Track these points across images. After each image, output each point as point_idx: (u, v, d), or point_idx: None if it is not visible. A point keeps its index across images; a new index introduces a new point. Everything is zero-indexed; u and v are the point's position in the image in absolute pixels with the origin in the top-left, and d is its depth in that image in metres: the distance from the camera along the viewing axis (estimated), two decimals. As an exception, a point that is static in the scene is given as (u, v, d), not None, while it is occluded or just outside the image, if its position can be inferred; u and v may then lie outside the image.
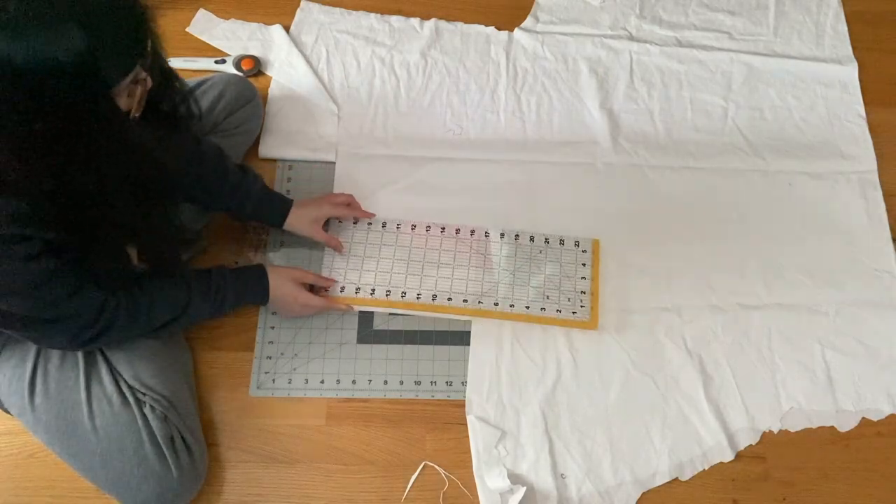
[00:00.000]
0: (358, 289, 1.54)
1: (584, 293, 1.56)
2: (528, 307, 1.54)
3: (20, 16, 0.80)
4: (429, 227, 1.62)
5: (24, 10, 0.81)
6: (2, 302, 1.05)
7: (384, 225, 1.61)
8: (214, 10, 1.91)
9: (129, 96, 0.97)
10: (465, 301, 1.54)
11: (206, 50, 1.84)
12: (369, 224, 1.61)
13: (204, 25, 1.88)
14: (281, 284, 1.43)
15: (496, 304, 1.54)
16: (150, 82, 0.99)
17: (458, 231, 1.61)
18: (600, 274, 1.59)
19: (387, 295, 1.53)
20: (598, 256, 1.61)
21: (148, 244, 1.20)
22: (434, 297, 1.54)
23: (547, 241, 1.62)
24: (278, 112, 1.74)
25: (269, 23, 1.90)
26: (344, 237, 1.59)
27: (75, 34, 0.83)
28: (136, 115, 1.00)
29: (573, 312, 1.54)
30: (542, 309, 1.54)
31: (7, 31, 0.80)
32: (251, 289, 1.42)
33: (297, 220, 1.52)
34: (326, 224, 1.59)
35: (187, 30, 1.87)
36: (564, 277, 1.58)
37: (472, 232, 1.61)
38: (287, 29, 1.89)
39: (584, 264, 1.60)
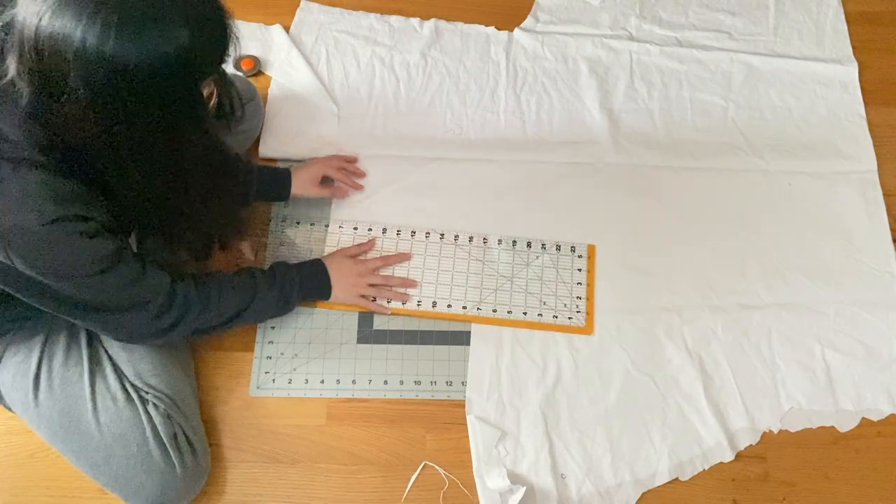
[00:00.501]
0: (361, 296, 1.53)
1: (580, 298, 1.57)
2: (525, 313, 1.54)
3: (136, 18, 0.84)
4: (428, 233, 1.62)
5: (141, 13, 0.84)
6: (72, 286, 1.06)
7: (384, 231, 1.61)
8: (214, 10, 1.90)
9: (209, 93, 1.02)
10: (464, 308, 1.54)
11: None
12: (369, 230, 1.61)
13: (203, 26, 1.88)
14: (338, 269, 1.46)
15: (494, 311, 1.54)
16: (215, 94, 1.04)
17: (456, 237, 1.62)
18: (600, 273, 1.59)
19: (388, 301, 1.53)
20: (595, 262, 1.61)
21: (206, 232, 1.23)
22: (434, 303, 1.54)
23: (544, 246, 1.62)
24: (278, 112, 1.74)
25: (268, 23, 1.90)
26: (345, 243, 1.59)
27: (182, 32, 0.88)
28: (212, 110, 1.05)
29: (569, 318, 1.54)
30: (538, 315, 1.54)
31: (125, 33, 0.83)
32: (315, 282, 1.45)
33: (299, 186, 1.56)
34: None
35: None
36: (561, 283, 1.58)
37: (471, 238, 1.61)
38: (287, 29, 1.89)
39: (579, 269, 1.60)
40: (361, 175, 1.67)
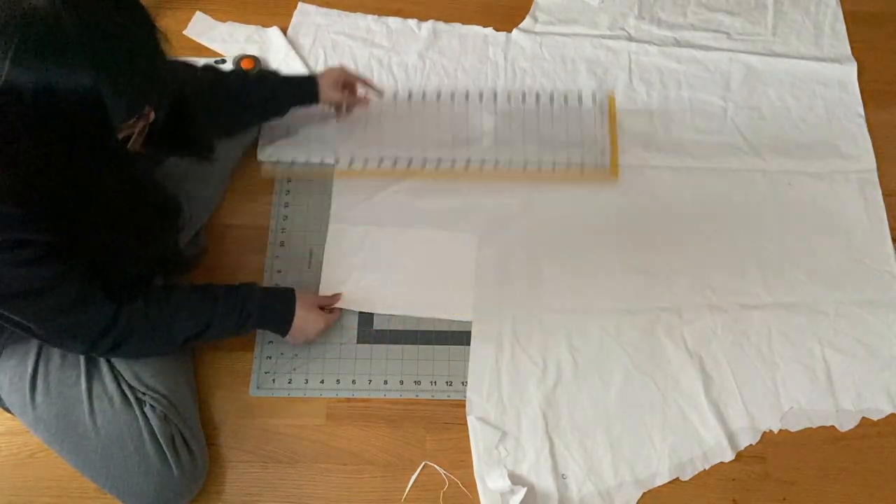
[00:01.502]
0: (367, 159, 1.67)
1: (605, 149, 1.70)
2: (540, 164, 1.68)
3: (38, 46, 0.80)
4: (439, 94, 1.78)
5: (43, 41, 0.81)
6: (10, 308, 1.05)
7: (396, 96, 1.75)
8: (211, 12, 1.90)
9: (131, 127, 0.96)
10: (483, 161, 1.68)
11: (205, 50, 1.84)
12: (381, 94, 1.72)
13: (201, 28, 1.88)
14: (305, 314, 1.41)
15: (510, 162, 1.68)
16: (152, 116, 0.99)
17: (467, 96, 1.77)
18: (599, 271, 1.59)
19: (395, 163, 1.66)
20: (615, 110, 1.75)
21: (138, 265, 1.20)
22: (439, 161, 1.68)
23: (566, 99, 1.77)
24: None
25: (266, 25, 1.89)
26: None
27: (85, 75, 0.83)
28: (136, 146, 1.00)
29: (593, 164, 1.68)
30: (559, 163, 1.69)
31: (25, 58, 0.80)
32: (276, 317, 1.39)
33: (326, 90, 1.58)
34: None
35: (184, 32, 1.86)
36: (580, 130, 1.72)
37: (481, 95, 1.76)
38: (284, 31, 1.89)
39: (602, 119, 1.73)
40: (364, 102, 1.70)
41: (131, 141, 0.98)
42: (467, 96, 1.77)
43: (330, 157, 1.69)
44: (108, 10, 0.86)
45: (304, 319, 1.41)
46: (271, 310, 1.38)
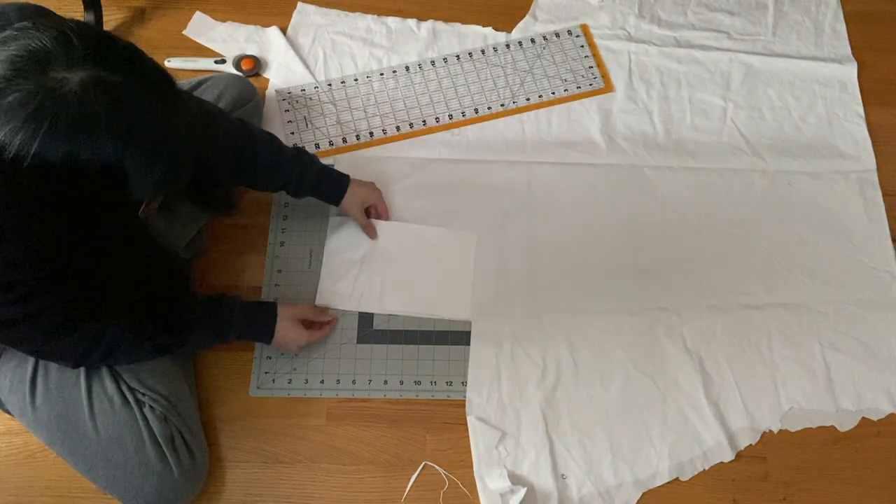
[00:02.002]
0: (381, 130, 1.74)
1: (592, 67, 1.85)
2: (553, 93, 1.82)
3: (69, 127, 0.79)
4: (446, 59, 1.87)
5: (74, 123, 0.80)
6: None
7: (403, 70, 1.84)
8: (211, 12, 1.90)
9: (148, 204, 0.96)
10: (489, 108, 1.78)
11: (205, 50, 1.84)
12: (382, 74, 1.84)
13: (201, 28, 1.88)
14: (285, 327, 1.41)
15: (514, 102, 1.79)
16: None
17: (471, 54, 1.88)
18: (598, 270, 1.58)
19: (411, 127, 1.73)
20: (591, 36, 1.91)
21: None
22: (450, 116, 1.77)
23: (545, 38, 1.90)
24: (276, 114, 1.74)
25: (265, 25, 1.89)
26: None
27: (112, 151, 0.82)
28: (152, 213, 0.99)
29: (590, 85, 1.83)
30: (565, 90, 1.82)
31: (56, 137, 0.79)
32: (257, 331, 1.41)
33: (350, 200, 1.54)
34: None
35: (184, 32, 1.86)
36: (571, 60, 1.86)
37: (483, 51, 1.88)
38: (284, 31, 1.89)
39: (582, 46, 1.89)
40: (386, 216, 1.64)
41: (147, 207, 0.97)
42: (459, 57, 1.87)
43: (329, 158, 1.69)
44: (138, 92, 0.85)
45: (284, 334, 1.41)
46: (251, 324, 1.39)
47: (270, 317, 1.40)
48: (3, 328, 1.04)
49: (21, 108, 0.78)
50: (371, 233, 1.59)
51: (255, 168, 1.42)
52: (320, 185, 1.51)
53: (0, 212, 0.85)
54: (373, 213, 1.60)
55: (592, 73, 1.86)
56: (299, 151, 1.48)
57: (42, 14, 1.02)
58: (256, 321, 1.39)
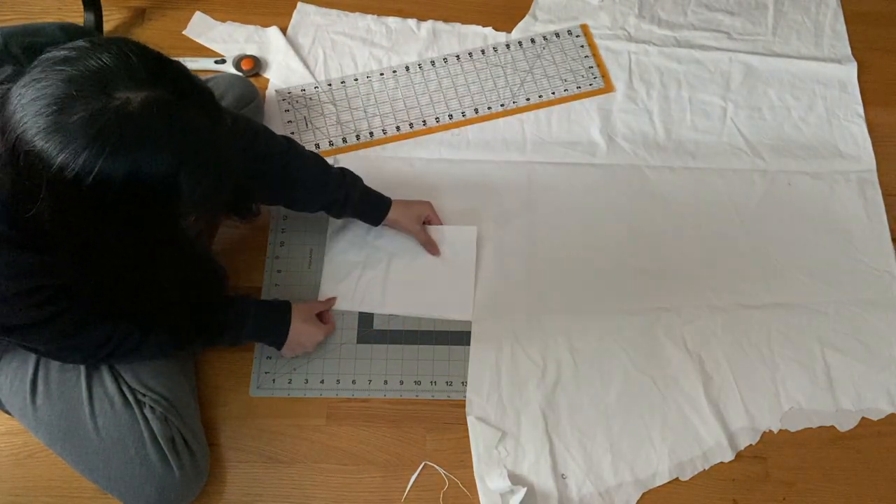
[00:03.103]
0: (381, 130, 1.74)
1: (592, 67, 1.85)
2: (553, 93, 1.81)
3: (132, 144, 0.81)
4: (446, 59, 1.87)
5: (137, 141, 0.81)
6: (12, 336, 1.07)
7: (403, 70, 1.82)
8: (211, 12, 1.90)
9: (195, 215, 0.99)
10: (489, 108, 1.78)
11: (205, 50, 1.84)
12: (382, 74, 1.84)
13: (200, 28, 1.88)
14: (301, 328, 1.42)
15: (514, 103, 1.78)
16: None
17: (471, 54, 1.89)
18: (598, 271, 1.58)
19: (411, 127, 1.74)
20: (592, 38, 1.90)
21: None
22: (450, 116, 1.76)
23: (545, 38, 1.90)
24: (276, 115, 1.74)
25: (265, 25, 1.89)
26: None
27: (170, 165, 0.84)
28: (191, 225, 1.01)
29: (590, 85, 1.83)
30: (565, 90, 1.82)
31: (120, 154, 0.80)
32: (270, 331, 1.41)
33: (402, 217, 1.54)
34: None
35: (184, 32, 1.86)
36: (571, 60, 1.87)
37: (483, 51, 1.89)
38: (284, 31, 1.89)
39: (582, 46, 1.89)
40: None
41: (191, 218, 0.99)
42: (459, 57, 1.88)
43: (329, 158, 1.69)
44: (191, 109, 0.87)
45: (300, 332, 1.41)
46: (265, 324, 1.39)
47: (285, 315, 1.40)
48: (23, 330, 1.05)
49: (86, 127, 0.79)
50: (434, 250, 1.59)
51: (299, 186, 1.42)
52: (364, 206, 1.51)
53: (55, 223, 0.87)
54: (436, 220, 1.61)
55: (592, 73, 1.86)
56: (344, 171, 1.48)
57: (85, 33, 1.03)
58: (271, 320, 1.40)
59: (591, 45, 1.90)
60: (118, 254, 0.93)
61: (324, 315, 1.50)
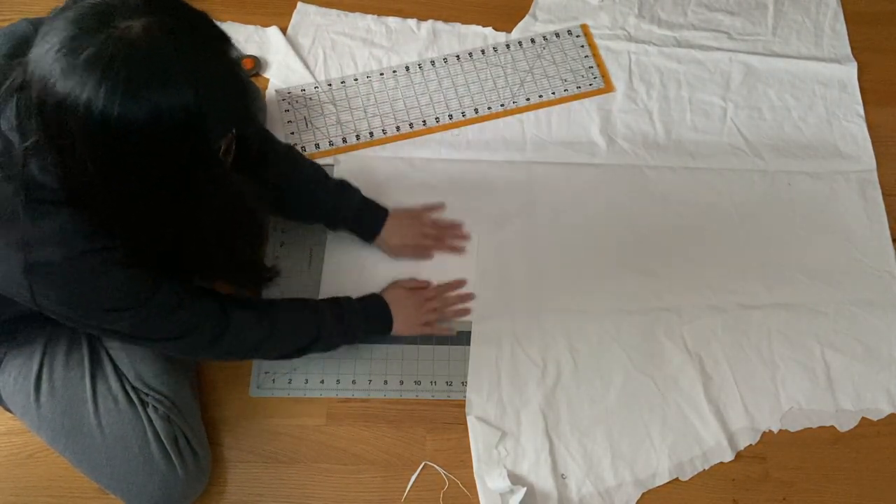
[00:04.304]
0: (381, 130, 1.74)
1: (592, 67, 1.85)
2: (540, 96, 1.81)
3: (142, 80, 0.82)
4: (446, 58, 1.87)
5: (147, 76, 0.82)
6: (120, 322, 1.05)
7: (403, 70, 1.83)
8: (211, 12, 1.88)
9: (227, 146, 0.99)
10: (489, 108, 1.78)
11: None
12: (382, 74, 1.84)
13: (201, 28, 1.88)
14: (397, 302, 1.45)
15: (514, 103, 1.79)
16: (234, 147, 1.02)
17: (471, 54, 1.88)
18: (599, 271, 1.59)
19: (411, 127, 1.74)
20: (592, 38, 1.90)
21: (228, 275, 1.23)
22: (450, 116, 1.76)
23: (545, 38, 1.90)
24: (276, 115, 1.74)
25: (265, 25, 1.89)
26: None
27: (187, 92, 0.84)
28: (229, 162, 1.01)
29: (590, 85, 1.82)
30: (565, 90, 1.82)
31: (130, 96, 0.81)
32: (379, 318, 1.43)
33: (392, 238, 1.55)
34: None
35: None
36: (571, 60, 1.86)
37: (483, 51, 1.88)
38: (284, 31, 1.89)
39: (582, 46, 1.89)
40: (464, 238, 1.63)
41: (225, 152, 0.99)
42: (459, 58, 1.87)
43: (329, 158, 1.69)
44: (194, 32, 0.89)
45: (401, 305, 1.45)
46: (373, 313, 1.43)
47: (381, 302, 1.44)
48: (126, 312, 1.04)
49: (97, 61, 0.80)
50: (425, 255, 1.59)
51: (294, 193, 1.43)
52: (360, 217, 1.53)
53: (98, 175, 0.88)
54: (425, 254, 1.60)
55: (592, 73, 1.85)
56: (343, 182, 1.50)
57: None
58: (373, 309, 1.43)
59: (592, 45, 1.89)
60: (159, 200, 0.93)
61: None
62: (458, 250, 1.61)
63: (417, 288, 1.53)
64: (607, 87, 1.83)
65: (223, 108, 0.91)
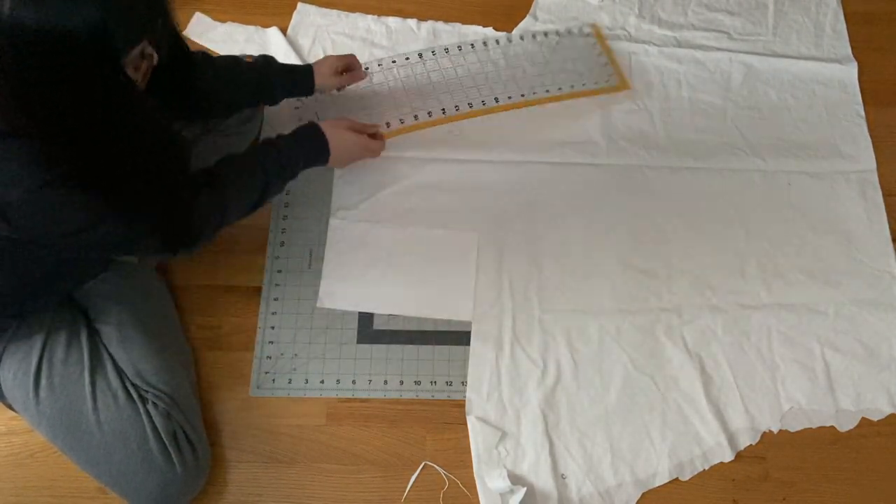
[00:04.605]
0: (400, 120, 1.73)
1: (606, 64, 1.83)
2: (560, 89, 1.80)
3: None
4: (447, 48, 1.86)
5: None
6: (105, 226, 1.05)
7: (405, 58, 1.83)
8: (211, 13, 1.91)
9: (136, 69, 0.98)
10: (496, 100, 1.77)
11: (205, 50, 1.84)
12: (394, 61, 1.83)
13: (201, 28, 1.88)
14: (337, 135, 1.47)
15: (523, 95, 1.78)
16: (156, 58, 1.01)
17: (485, 43, 1.87)
18: (600, 272, 1.59)
19: (415, 118, 1.73)
20: (604, 39, 1.89)
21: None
22: (456, 107, 1.75)
23: (558, 33, 1.89)
24: (276, 115, 1.74)
25: (265, 25, 1.89)
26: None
27: (89, 4, 0.84)
28: (141, 87, 1.01)
29: (606, 81, 1.81)
30: (571, 87, 1.80)
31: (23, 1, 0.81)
32: (314, 149, 1.45)
33: (320, 78, 1.58)
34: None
35: (184, 33, 1.86)
36: (582, 59, 1.85)
37: (492, 41, 1.88)
38: (284, 31, 1.89)
39: (594, 44, 1.87)
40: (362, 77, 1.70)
41: (138, 83, 0.99)
42: (473, 46, 1.87)
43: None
44: None
45: (339, 139, 1.47)
46: (308, 149, 1.44)
47: (317, 132, 1.45)
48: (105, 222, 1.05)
49: None
50: (358, 76, 1.66)
51: (220, 77, 1.43)
52: (286, 82, 1.55)
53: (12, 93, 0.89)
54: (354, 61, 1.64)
55: (607, 71, 1.85)
56: (257, 58, 1.52)
57: None
58: (309, 142, 1.45)
59: (603, 45, 1.90)
60: (70, 120, 0.93)
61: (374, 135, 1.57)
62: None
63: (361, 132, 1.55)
64: (623, 85, 1.84)
65: (133, 22, 0.92)
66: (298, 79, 1.57)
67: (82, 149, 0.97)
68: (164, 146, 1.09)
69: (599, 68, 1.84)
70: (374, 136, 1.57)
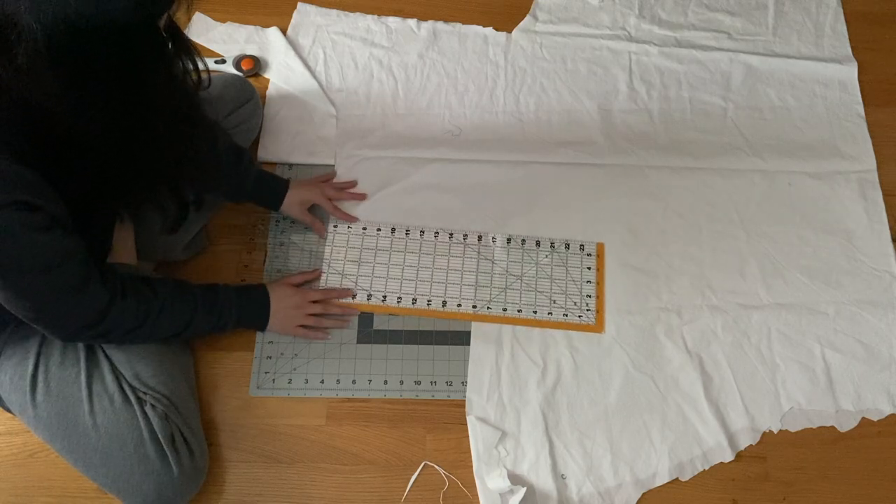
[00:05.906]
0: (369, 295, 1.54)
1: (590, 297, 1.57)
2: (535, 312, 1.55)
3: None
4: (437, 232, 1.62)
5: None
6: (17, 284, 1.05)
7: (393, 231, 1.62)
8: (211, 13, 1.90)
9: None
10: (473, 307, 1.55)
11: (205, 50, 1.84)
12: (378, 230, 1.61)
13: (201, 28, 1.88)
14: (279, 299, 1.45)
15: (504, 310, 1.55)
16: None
17: (465, 237, 1.62)
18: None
19: (398, 301, 1.54)
20: (604, 260, 1.61)
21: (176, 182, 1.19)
22: (444, 303, 1.55)
23: (552, 245, 1.62)
24: (276, 115, 1.74)
25: (265, 25, 1.89)
26: (353, 243, 1.59)
27: None
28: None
29: (579, 316, 1.55)
30: (549, 314, 1.54)
31: None
32: (254, 313, 1.43)
33: (287, 205, 1.56)
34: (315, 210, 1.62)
35: (184, 33, 1.86)
36: (570, 282, 1.59)
37: (479, 237, 1.62)
38: (284, 31, 1.89)
39: (588, 268, 1.60)
40: (359, 198, 1.65)
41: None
42: (465, 237, 1.63)
43: (329, 158, 1.69)
44: None
45: (281, 303, 1.45)
46: (249, 307, 1.42)
47: (263, 302, 1.43)
48: (29, 273, 1.04)
49: None
50: (319, 230, 1.59)
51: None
52: (260, 188, 1.53)
53: (52, 94, 0.89)
54: (329, 206, 1.60)
55: (587, 305, 1.55)
56: (241, 150, 1.50)
57: None
58: (252, 307, 1.42)
59: (599, 270, 1.59)
60: (109, 93, 0.93)
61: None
62: (359, 197, 1.64)
63: (305, 282, 1.53)
64: (598, 326, 1.54)
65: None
66: (270, 195, 1.55)
67: (110, 124, 0.97)
68: (194, 106, 1.10)
69: (581, 299, 1.57)
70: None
